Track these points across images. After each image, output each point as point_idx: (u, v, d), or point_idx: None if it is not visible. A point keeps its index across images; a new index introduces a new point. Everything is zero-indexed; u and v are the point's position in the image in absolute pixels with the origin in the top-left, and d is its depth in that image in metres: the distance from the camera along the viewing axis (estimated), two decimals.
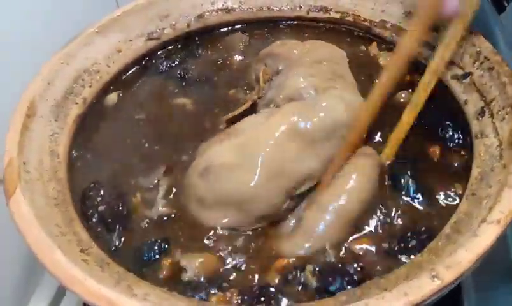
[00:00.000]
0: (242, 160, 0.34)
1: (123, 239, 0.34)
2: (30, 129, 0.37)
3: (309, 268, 0.31)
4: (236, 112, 0.42)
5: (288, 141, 0.34)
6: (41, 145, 0.38)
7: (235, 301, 0.29)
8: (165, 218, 0.35)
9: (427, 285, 0.25)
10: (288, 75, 0.39)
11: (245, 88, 0.47)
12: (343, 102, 0.36)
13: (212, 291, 0.29)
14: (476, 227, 0.28)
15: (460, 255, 0.26)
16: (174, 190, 0.37)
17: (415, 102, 0.40)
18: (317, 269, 0.30)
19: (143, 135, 0.43)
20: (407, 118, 0.39)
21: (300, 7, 0.55)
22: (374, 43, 0.50)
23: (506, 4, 0.80)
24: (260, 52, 0.47)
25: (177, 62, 0.51)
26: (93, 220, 0.34)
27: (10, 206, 0.31)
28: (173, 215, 0.36)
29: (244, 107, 0.43)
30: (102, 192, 0.36)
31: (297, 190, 0.35)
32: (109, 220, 0.34)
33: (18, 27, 0.47)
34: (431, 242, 0.30)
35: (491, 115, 0.37)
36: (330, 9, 0.54)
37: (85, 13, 0.55)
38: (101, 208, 0.35)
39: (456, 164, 0.37)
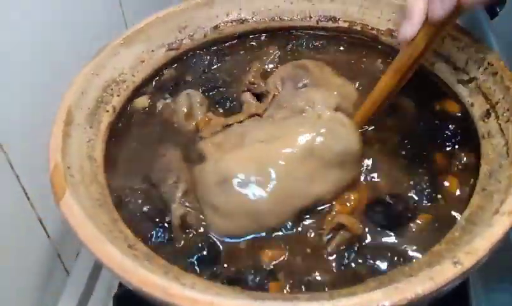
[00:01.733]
0: (261, 175, 0.36)
1: (166, 236, 0.37)
2: (70, 136, 0.40)
3: None
4: (237, 119, 0.45)
5: (304, 161, 0.36)
6: (80, 150, 0.40)
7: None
8: None
9: (450, 270, 0.28)
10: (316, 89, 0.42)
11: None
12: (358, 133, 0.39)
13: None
14: (490, 218, 0.31)
15: (477, 243, 0.29)
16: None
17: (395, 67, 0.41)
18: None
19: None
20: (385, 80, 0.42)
21: (310, 17, 0.58)
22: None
23: (498, 10, 0.85)
24: (292, 62, 0.50)
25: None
26: (135, 220, 0.37)
27: (61, 208, 0.33)
28: None
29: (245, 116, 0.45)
30: (139, 192, 0.39)
31: (306, 210, 0.37)
32: (151, 219, 0.37)
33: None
34: (447, 233, 0.33)
35: (497, 117, 0.40)
36: (339, 19, 0.57)
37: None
38: (145, 208, 0.37)
39: (465, 163, 0.40)
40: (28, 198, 0.50)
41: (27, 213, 0.51)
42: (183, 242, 0.36)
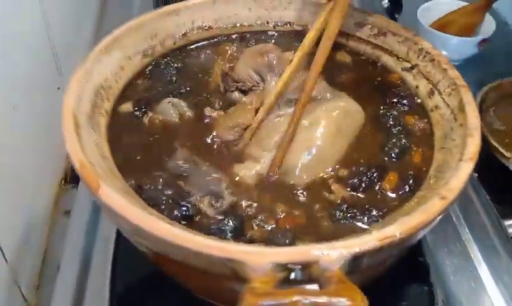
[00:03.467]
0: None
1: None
2: (82, 137, 0.42)
3: None
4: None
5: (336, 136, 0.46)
6: (92, 150, 0.42)
7: None
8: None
9: (438, 204, 0.36)
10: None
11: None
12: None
13: None
14: (456, 165, 0.40)
15: (453, 183, 0.38)
16: None
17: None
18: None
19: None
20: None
21: (267, 22, 0.65)
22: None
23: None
24: (249, 52, 0.55)
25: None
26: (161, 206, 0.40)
27: (101, 197, 0.36)
28: None
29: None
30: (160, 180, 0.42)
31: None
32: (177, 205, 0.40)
33: None
34: (424, 182, 0.42)
35: (440, 93, 0.51)
36: (293, 23, 0.65)
37: None
38: (167, 192, 0.41)
39: (422, 129, 0.50)
40: None
41: None
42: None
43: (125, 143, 0.48)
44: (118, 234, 0.57)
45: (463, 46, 0.88)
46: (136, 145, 0.48)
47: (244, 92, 0.52)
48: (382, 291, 0.41)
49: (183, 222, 0.40)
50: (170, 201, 0.41)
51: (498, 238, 0.62)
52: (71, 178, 0.79)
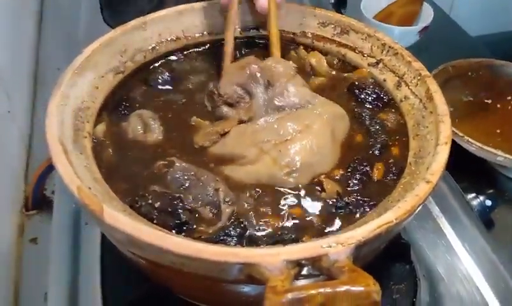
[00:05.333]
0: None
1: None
2: (72, 163, 0.42)
3: None
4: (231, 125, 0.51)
5: (329, 140, 0.48)
6: (84, 175, 0.42)
7: None
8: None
9: (425, 187, 0.39)
10: (288, 86, 0.51)
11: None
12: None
13: None
14: (434, 149, 0.43)
15: (434, 167, 0.41)
16: None
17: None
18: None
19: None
20: None
21: (234, 29, 0.66)
22: (301, 47, 0.65)
23: None
24: (244, 63, 0.56)
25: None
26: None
27: (107, 221, 0.36)
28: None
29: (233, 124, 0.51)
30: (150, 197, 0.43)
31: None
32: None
33: None
34: (405, 169, 0.45)
35: (407, 85, 0.54)
36: (259, 28, 0.67)
37: None
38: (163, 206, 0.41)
39: (394, 121, 0.53)
40: None
41: None
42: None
43: (111, 162, 0.48)
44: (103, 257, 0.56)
45: (405, 35, 0.94)
46: (124, 163, 0.48)
47: (230, 105, 0.53)
48: (371, 273, 0.44)
49: (183, 234, 0.41)
50: (168, 215, 0.41)
51: (463, 210, 0.67)
52: (32, 204, 0.77)
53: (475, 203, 0.71)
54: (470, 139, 0.77)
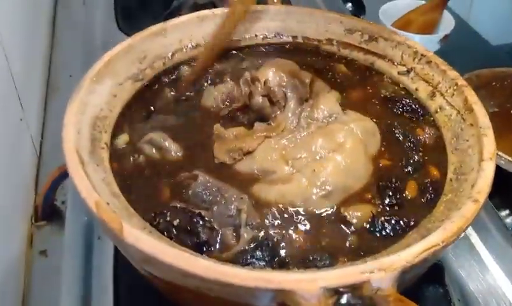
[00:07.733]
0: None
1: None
2: (89, 176, 0.39)
3: None
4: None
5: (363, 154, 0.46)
6: (102, 188, 0.39)
7: None
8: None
9: (472, 208, 0.36)
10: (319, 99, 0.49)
11: None
12: None
13: None
14: (478, 165, 0.40)
15: (480, 184, 0.38)
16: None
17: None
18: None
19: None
20: None
21: (256, 35, 0.64)
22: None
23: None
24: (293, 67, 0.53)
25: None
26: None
27: (128, 239, 0.33)
28: None
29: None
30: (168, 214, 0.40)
31: None
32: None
33: None
34: (445, 186, 0.42)
35: (442, 95, 0.51)
36: (282, 34, 0.64)
37: None
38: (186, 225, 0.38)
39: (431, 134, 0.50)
40: None
41: None
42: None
43: (131, 177, 0.45)
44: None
45: (426, 44, 0.89)
46: (142, 178, 0.46)
47: (269, 100, 0.50)
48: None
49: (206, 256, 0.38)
50: (187, 233, 0.38)
51: (497, 228, 0.63)
52: (42, 214, 0.74)
53: (509, 220, 0.67)
54: (499, 153, 0.73)
